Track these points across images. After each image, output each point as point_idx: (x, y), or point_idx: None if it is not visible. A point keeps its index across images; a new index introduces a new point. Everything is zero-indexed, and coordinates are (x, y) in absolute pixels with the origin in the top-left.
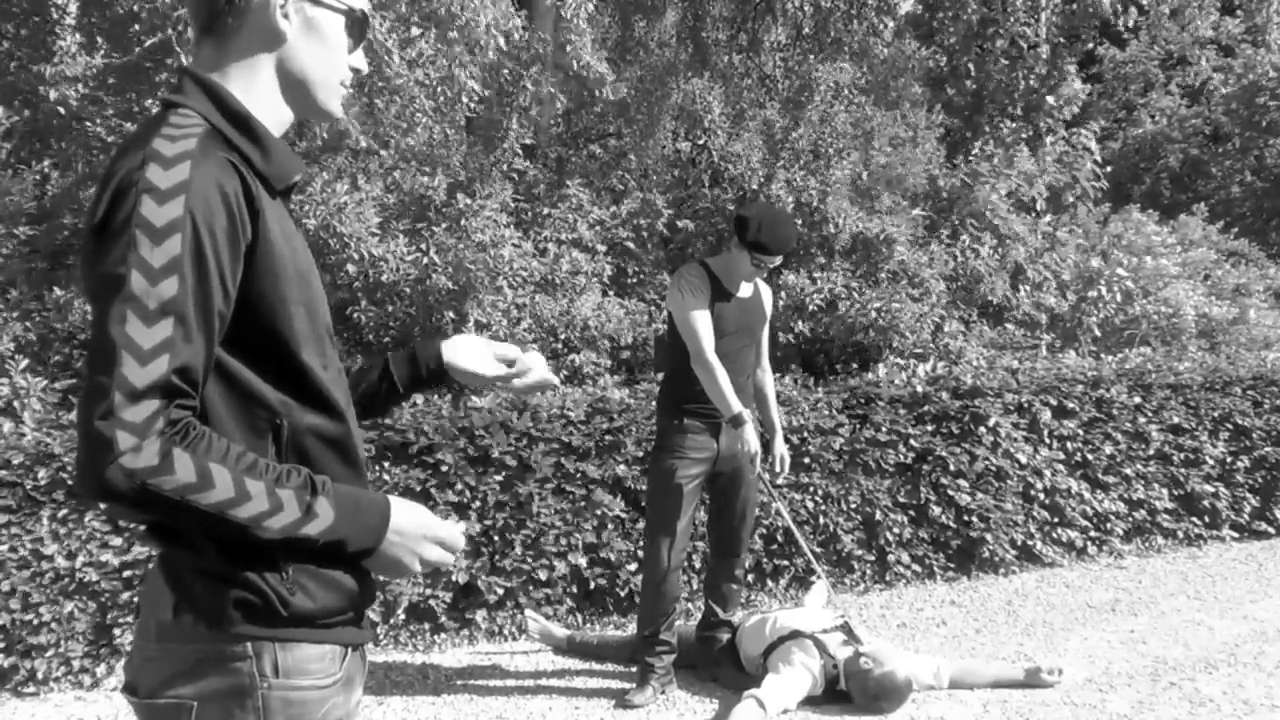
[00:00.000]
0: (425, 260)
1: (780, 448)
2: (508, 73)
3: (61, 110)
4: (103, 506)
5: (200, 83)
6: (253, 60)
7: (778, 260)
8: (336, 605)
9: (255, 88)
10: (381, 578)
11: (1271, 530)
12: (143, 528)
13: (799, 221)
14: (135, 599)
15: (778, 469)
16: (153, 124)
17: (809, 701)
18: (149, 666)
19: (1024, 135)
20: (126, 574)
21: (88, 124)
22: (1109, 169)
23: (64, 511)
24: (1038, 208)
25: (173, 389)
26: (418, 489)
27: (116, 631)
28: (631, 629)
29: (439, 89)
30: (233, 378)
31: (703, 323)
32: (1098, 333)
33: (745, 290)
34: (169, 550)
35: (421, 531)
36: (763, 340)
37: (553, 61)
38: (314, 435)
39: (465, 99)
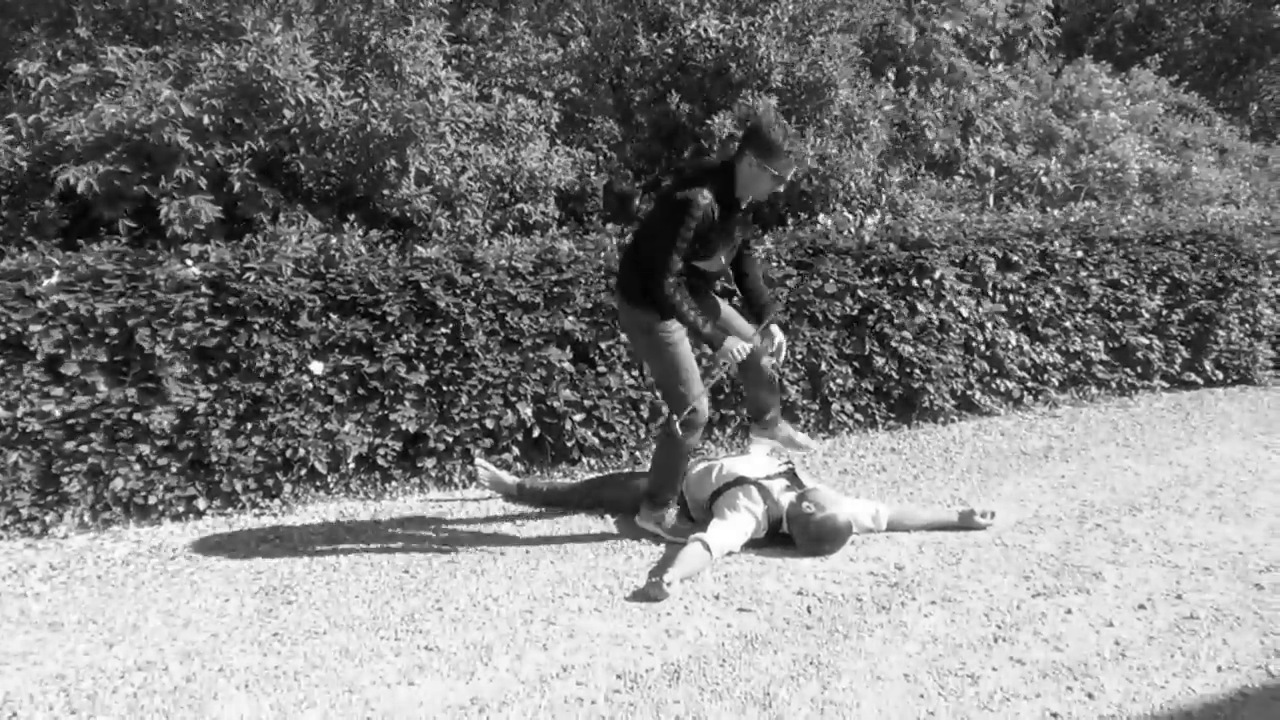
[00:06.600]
0: (365, 106)
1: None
2: None
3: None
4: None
5: None
6: None
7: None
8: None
9: None
10: None
11: (1200, 381)
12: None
13: (734, 65)
14: (80, 449)
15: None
16: None
17: (752, 544)
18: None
19: None
20: (70, 423)
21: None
22: (1064, 19)
23: (1, 362)
24: (990, 56)
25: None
26: (364, 340)
27: (64, 480)
28: (580, 476)
29: None
30: None
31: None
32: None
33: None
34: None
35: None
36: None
37: None
38: None
39: None
